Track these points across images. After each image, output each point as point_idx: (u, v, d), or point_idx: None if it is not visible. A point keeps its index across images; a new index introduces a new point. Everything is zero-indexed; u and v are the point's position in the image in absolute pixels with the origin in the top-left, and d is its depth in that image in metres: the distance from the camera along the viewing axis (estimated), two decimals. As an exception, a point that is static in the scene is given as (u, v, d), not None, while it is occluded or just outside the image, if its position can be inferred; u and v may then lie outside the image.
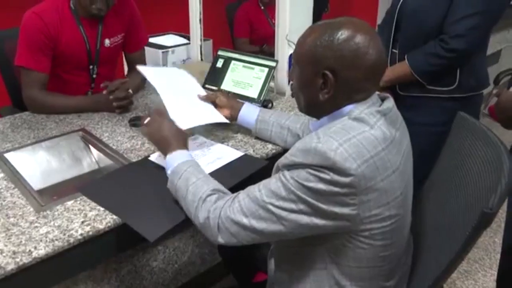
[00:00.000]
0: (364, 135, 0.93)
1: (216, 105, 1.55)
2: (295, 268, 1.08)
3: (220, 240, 1.02)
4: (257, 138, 1.54)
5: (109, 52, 1.89)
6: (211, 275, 1.76)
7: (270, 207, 0.95)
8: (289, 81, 1.94)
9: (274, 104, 1.85)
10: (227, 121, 1.52)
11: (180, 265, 1.63)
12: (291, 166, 0.95)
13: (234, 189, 1.10)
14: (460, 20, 1.52)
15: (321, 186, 0.90)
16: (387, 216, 0.96)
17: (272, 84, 1.93)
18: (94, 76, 1.90)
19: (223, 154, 1.43)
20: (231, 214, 1.00)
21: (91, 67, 1.87)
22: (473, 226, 0.89)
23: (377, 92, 1.05)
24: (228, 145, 1.50)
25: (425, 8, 1.60)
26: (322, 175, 0.90)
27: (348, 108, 1.01)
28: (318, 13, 4.47)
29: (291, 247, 1.08)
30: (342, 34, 0.97)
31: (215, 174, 1.29)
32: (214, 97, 1.55)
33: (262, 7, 3.05)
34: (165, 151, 1.24)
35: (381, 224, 0.96)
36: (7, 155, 1.44)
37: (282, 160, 0.98)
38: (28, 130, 1.62)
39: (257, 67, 1.87)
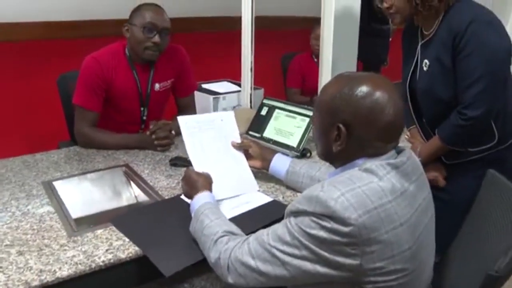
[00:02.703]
0: (370, 185, 0.94)
1: (249, 155, 1.60)
2: None
3: (230, 280, 1.05)
4: (288, 187, 1.57)
5: (159, 96, 2.03)
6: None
7: (275, 251, 0.98)
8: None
9: (312, 154, 1.87)
10: (257, 189, 1.55)
11: (206, 304, 1.65)
12: (296, 213, 0.97)
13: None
14: (467, 88, 1.52)
15: (322, 233, 0.92)
16: (392, 270, 0.94)
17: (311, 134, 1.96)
18: (144, 117, 2.04)
19: (252, 198, 1.47)
20: (240, 255, 1.03)
21: (141, 109, 2.01)
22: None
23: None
24: (259, 190, 1.54)
25: (434, 86, 1.62)
26: (323, 223, 0.92)
27: (361, 161, 1.03)
28: (376, 66, 4.53)
29: None
30: (361, 91, 1.00)
31: (241, 218, 1.34)
32: (247, 146, 1.61)
33: (315, 59, 3.13)
34: (190, 196, 1.31)
35: (387, 278, 0.95)
36: (55, 183, 1.57)
37: (289, 207, 1.01)
38: (78, 162, 1.76)
39: (299, 117, 1.92)
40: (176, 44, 2.06)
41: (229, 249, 1.06)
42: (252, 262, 1.01)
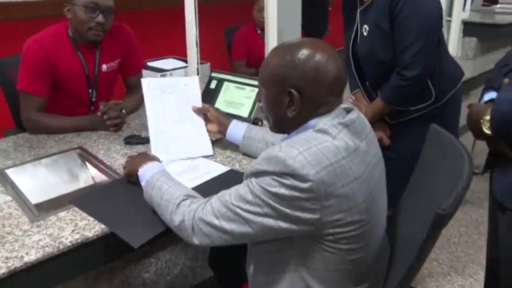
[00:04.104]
0: (325, 144, 1.00)
1: (207, 119, 1.65)
2: (269, 272, 1.14)
3: (195, 240, 1.09)
4: (244, 154, 1.62)
5: (107, 77, 2.00)
6: (205, 288, 1.82)
7: (238, 210, 1.03)
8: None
9: (264, 123, 1.93)
10: (210, 153, 1.62)
11: (172, 277, 1.69)
12: (257, 174, 1.02)
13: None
14: (404, 50, 1.64)
15: (283, 191, 0.97)
16: (350, 222, 1.01)
17: (262, 103, 2.01)
18: (93, 99, 2.00)
19: (210, 169, 1.51)
20: (204, 216, 1.07)
21: (90, 91, 1.97)
22: (428, 227, 0.94)
23: (343, 105, 1.13)
24: (216, 160, 1.59)
25: (375, 49, 1.73)
26: (283, 180, 0.97)
27: (313, 122, 1.08)
28: (318, 35, 4.61)
29: (264, 253, 1.14)
30: (303, 54, 1.05)
31: (200, 188, 1.38)
32: (206, 110, 1.65)
33: (259, 31, 3.16)
34: (137, 168, 1.33)
35: (345, 229, 1.02)
36: (8, 171, 1.53)
37: (249, 169, 1.06)
38: (29, 148, 1.72)
39: (248, 87, 1.96)
40: (120, 23, 2.02)
41: (192, 211, 1.10)
42: (216, 222, 1.05)
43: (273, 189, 0.98)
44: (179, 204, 1.13)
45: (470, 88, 2.98)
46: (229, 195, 1.06)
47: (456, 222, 2.79)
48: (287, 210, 0.98)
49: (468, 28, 3.58)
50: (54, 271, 1.15)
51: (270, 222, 1.00)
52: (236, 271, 1.53)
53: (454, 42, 3.54)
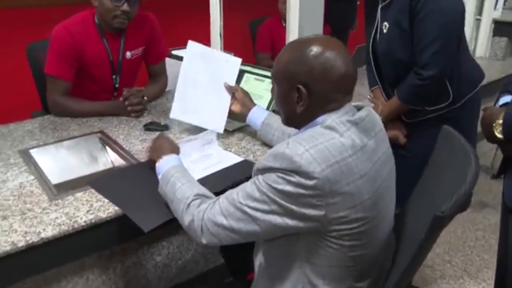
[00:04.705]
0: (332, 142, 1.02)
1: (233, 98, 1.70)
2: (273, 267, 1.17)
3: (203, 240, 1.12)
4: (259, 145, 1.65)
5: (130, 64, 2.05)
6: (214, 275, 1.86)
7: (246, 208, 1.05)
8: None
9: (281, 115, 1.95)
10: (220, 131, 1.66)
11: (184, 262, 1.74)
12: (264, 170, 1.04)
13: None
14: (423, 49, 1.63)
15: (289, 188, 0.99)
16: (354, 219, 1.03)
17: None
18: (117, 85, 2.06)
19: (223, 158, 1.55)
20: (212, 216, 1.09)
21: (113, 77, 2.03)
22: (426, 229, 0.96)
23: (354, 103, 1.15)
24: (231, 150, 1.63)
25: (393, 47, 1.72)
26: (289, 178, 0.99)
27: (321, 118, 1.10)
28: (345, 30, 4.58)
29: (271, 247, 1.16)
30: (311, 51, 1.07)
31: (212, 176, 1.42)
32: (234, 89, 1.70)
33: (284, 24, 3.16)
34: (156, 159, 1.36)
35: (349, 226, 1.03)
36: (31, 151, 1.60)
37: (257, 165, 1.08)
38: (53, 130, 1.79)
39: (267, 80, 1.98)
40: (146, 12, 2.07)
41: (202, 211, 1.12)
42: (224, 221, 1.07)
43: (279, 186, 1.00)
44: (189, 204, 1.16)
45: (497, 89, 2.93)
46: (236, 194, 1.08)
47: (473, 226, 2.77)
48: (293, 207, 1.00)
49: (499, 27, 3.50)
50: (69, 248, 1.21)
51: (277, 219, 1.03)
52: (246, 260, 1.57)
53: (483, 41, 3.48)
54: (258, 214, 1.04)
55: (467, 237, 2.67)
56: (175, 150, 1.40)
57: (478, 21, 3.50)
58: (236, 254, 1.61)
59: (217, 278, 1.83)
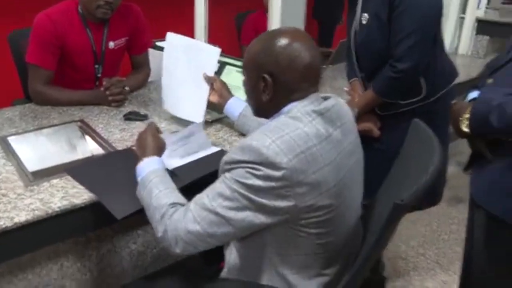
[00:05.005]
0: (296, 132, 1.05)
1: (212, 89, 1.72)
2: (243, 258, 1.20)
3: (177, 250, 1.11)
4: (236, 135, 1.68)
5: (113, 54, 2.07)
6: (188, 263, 1.88)
7: (218, 209, 1.06)
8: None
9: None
10: (199, 121, 1.68)
11: (159, 250, 1.76)
12: (231, 163, 1.06)
13: (204, 179, 1.24)
14: (398, 42, 1.67)
15: (258, 182, 1.02)
16: (321, 206, 1.06)
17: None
18: (99, 75, 2.08)
19: (201, 148, 1.57)
20: (185, 225, 1.09)
21: (96, 66, 2.04)
22: (386, 217, 1.00)
23: (323, 95, 1.18)
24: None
25: (371, 39, 1.76)
26: (256, 172, 1.02)
27: (287, 107, 1.14)
28: (332, 25, 4.61)
29: (240, 240, 1.18)
30: (279, 42, 1.11)
31: (189, 166, 1.44)
32: (213, 80, 1.71)
33: (270, 18, 3.20)
34: (139, 157, 1.33)
35: (315, 214, 1.07)
36: (9, 138, 1.61)
37: (224, 158, 1.10)
38: (33, 118, 1.80)
39: (248, 72, 2.01)
40: (130, 3, 2.08)
41: (174, 222, 1.11)
42: (198, 227, 1.07)
43: (249, 181, 1.02)
44: (163, 214, 1.14)
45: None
46: (206, 196, 1.09)
47: (448, 220, 2.83)
48: (264, 201, 1.03)
49: (482, 26, 3.55)
50: (42, 233, 1.23)
51: (250, 216, 1.04)
52: (219, 249, 1.60)
53: (466, 39, 3.53)
54: (231, 214, 1.05)
55: (442, 231, 2.73)
56: (160, 148, 1.37)
57: (461, 19, 3.55)
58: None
59: (191, 266, 1.85)
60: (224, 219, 1.06)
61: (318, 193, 1.06)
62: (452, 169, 2.22)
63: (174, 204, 1.17)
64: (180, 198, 1.20)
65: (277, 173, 1.01)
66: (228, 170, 1.07)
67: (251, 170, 1.03)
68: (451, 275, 2.34)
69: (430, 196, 2.02)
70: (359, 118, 1.79)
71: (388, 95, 1.78)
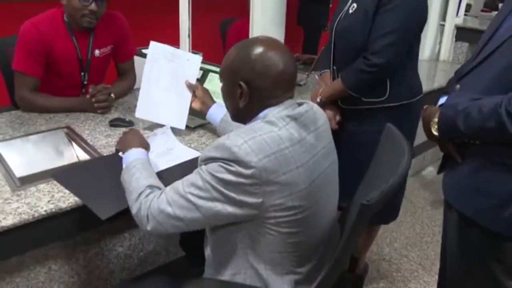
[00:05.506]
0: (270, 134, 1.11)
1: (193, 96, 1.78)
2: (220, 253, 1.26)
3: (149, 228, 1.19)
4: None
5: (99, 61, 2.11)
6: (175, 266, 1.93)
7: (189, 196, 1.13)
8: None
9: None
10: (182, 127, 1.76)
11: (146, 253, 1.81)
12: (206, 160, 1.13)
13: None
14: (378, 38, 1.72)
15: (229, 176, 1.08)
16: (290, 206, 1.12)
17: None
18: (85, 82, 2.12)
19: (183, 153, 1.62)
20: (158, 205, 1.17)
21: (82, 74, 2.09)
22: (353, 218, 1.05)
23: (299, 101, 1.24)
24: (190, 146, 1.70)
25: (353, 28, 1.80)
26: (229, 167, 1.08)
27: (263, 113, 1.20)
28: (317, 31, 4.68)
29: (216, 235, 1.25)
30: (254, 50, 1.18)
31: (170, 170, 1.50)
32: (195, 87, 1.77)
33: (255, 26, 3.26)
34: (124, 150, 1.44)
35: (285, 213, 1.12)
36: (-3, 145, 1.65)
37: (201, 155, 1.17)
38: (20, 125, 1.84)
39: (231, 79, 2.06)
40: (114, 11, 2.13)
41: (149, 201, 1.19)
42: (169, 209, 1.15)
43: (220, 175, 1.09)
44: (140, 193, 1.22)
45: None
46: (181, 183, 1.16)
47: (431, 222, 2.90)
48: (233, 194, 1.09)
49: (461, 33, 3.66)
50: (29, 237, 1.27)
51: (218, 206, 1.11)
52: (203, 251, 1.65)
53: (446, 46, 3.63)
54: (200, 202, 1.12)
55: (425, 233, 2.80)
56: (144, 145, 1.47)
57: (442, 26, 3.65)
58: (194, 247, 1.69)
59: (178, 269, 1.90)
60: (194, 206, 1.13)
61: (288, 193, 1.11)
62: (435, 173, 2.29)
63: (151, 187, 1.25)
64: (158, 183, 1.29)
65: (247, 171, 1.07)
66: (205, 164, 1.13)
67: (224, 165, 1.09)
68: (433, 275, 2.39)
69: (391, 208, 2.09)
70: (322, 107, 1.82)
71: (355, 88, 1.81)
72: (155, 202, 1.18)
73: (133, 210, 1.22)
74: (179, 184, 1.17)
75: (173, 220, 1.16)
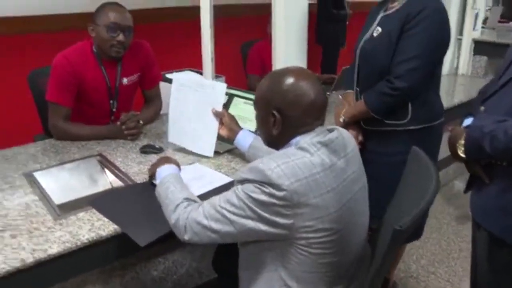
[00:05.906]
0: (302, 160, 1.16)
1: (220, 123, 1.83)
2: (253, 271, 1.30)
3: (186, 237, 1.26)
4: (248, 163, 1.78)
5: (127, 89, 2.19)
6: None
7: (225, 211, 1.19)
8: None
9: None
10: (210, 155, 1.81)
11: (179, 276, 1.86)
12: (241, 181, 1.19)
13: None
14: (401, 62, 1.76)
15: (263, 197, 1.13)
16: (321, 228, 1.16)
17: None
18: (114, 110, 2.20)
19: (214, 179, 1.67)
20: (195, 216, 1.24)
21: (111, 101, 2.17)
22: (387, 242, 1.08)
23: (329, 127, 1.28)
24: (220, 171, 1.75)
25: (377, 50, 1.84)
26: (263, 188, 1.14)
27: (295, 139, 1.25)
28: (336, 49, 4.73)
29: (249, 253, 1.30)
30: (285, 80, 1.24)
31: (204, 196, 1.53)
32: (221, 115, 1.83)
33: (274, 47, 3.31)
34: (157, 168, 1.53)
35: (316, 235, 1.17)
36: (35, 174, 1.72)
37: (236, 177, 1.23)
38: (55, 153, 1.91)
39: (255, 103, 2.11)
40: (140, 40, 2.21)
41: (187, 212, 1.26)
42: (205, 222, 1.21)
43: (255, 195, 1.14)
44: (178, 205, 1.30)
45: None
46: (218, 199, 1.23)
47: (458, 238, 2.89)
48: (266, 214, 1.14)
49: (479, 46, 3.67)
50: (72, 264, 1.32)
51: (251, 223, 1.16)
52: (236, 275, 1.69)
53: (465, 60, 3.64)
54: (234, 218, 1.18)
55: (452, 249, 2.79)
56: (176, 163, 1.56)
57: (459, 40, 3.67)
58: (227, 269, 1.73)
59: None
60: (228, 220, 1.18)
61: (317, 216, 1.15)
62: (461, 188, 2.29)
63: (188, 199, 1.33)
64: (193, 196, 1.37)
65: (279, 193, 1.12)
66: (241, 184, 1.19)
67: (259, 186, 1.14)
68: (461, 292, 2.39)
69: (417, 228, 2.09)
70: (344, 127, 1.86)
71: (378, 110, 1.85)
72: (193, 214, 1.25)
73: (172, 221, 1.29)
74: (216, 200, 1.23)
75: (208, 232, 1.22)
